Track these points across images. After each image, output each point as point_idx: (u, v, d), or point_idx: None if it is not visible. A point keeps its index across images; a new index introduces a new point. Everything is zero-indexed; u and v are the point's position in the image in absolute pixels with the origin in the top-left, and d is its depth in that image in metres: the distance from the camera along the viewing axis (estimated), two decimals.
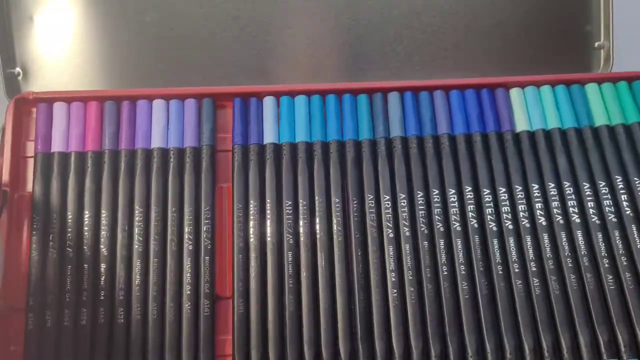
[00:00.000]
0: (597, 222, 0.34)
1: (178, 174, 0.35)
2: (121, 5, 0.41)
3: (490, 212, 0.34)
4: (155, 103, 0.37)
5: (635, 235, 0.34)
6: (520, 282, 0.33)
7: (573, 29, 0.42)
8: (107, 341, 0.33)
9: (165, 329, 0.33)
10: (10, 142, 0.35)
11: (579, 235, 0.34)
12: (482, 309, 0.32)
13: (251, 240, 0.34)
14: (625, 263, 0.33)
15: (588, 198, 0.35)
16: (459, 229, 0.34)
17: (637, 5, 0.46)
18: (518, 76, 0.38)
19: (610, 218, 0.34)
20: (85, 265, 0.33)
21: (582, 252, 0.33)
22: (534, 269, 0.33)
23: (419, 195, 0.35)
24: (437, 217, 0.34)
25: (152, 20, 0.41)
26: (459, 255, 0.34)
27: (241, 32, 0.41)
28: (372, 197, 0.35)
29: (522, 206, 0.35)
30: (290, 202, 0.35)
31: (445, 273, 0.33)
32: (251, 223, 0.35)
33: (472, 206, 0.35)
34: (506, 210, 0.34)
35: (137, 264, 0.34)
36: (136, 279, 0.33)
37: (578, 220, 0.34)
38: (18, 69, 0.40)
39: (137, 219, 0.34)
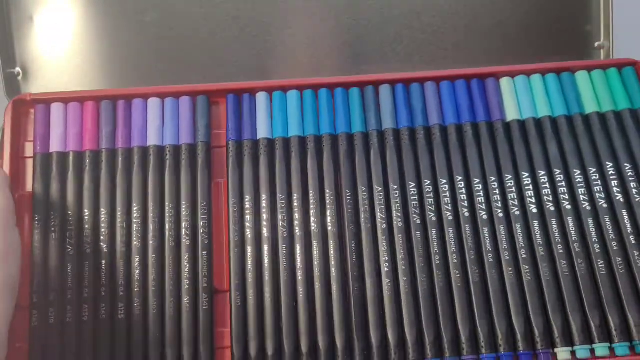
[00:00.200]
0: (588, 208, 0.34)
1: (174, 170, 0.35)
2: (121, 5, 0.41)
3: (481, 201, 0.34)
4: (151, 101, 0.37)
5: (626, 221, 0.34)
6: (511, 269, 0.33)
7: (573, 29, 0.42)
8: (109, 336, 0.33)
9: (165, 323, 0.33)
10: (9, 144, 0.35)
11: (570, 222, 0.34)
12: (474, 296, 0.33)
13: (247, 234, 0.34)
14: (615, 248, 0.33)
15: (579, 185, 0.35)
16: (450, 218, 0.34)
17: (637, 5, 0.46)
18: (508, 65, 0.38)
19: (600, 204, 0.34)
20: (86, 262, 0.33)
21: (573, 239, 0.33)
22: (524, 256, 0.33)
23: (411, 186, 0.35)
24: (429, 207, 0.34)
25: (152, 20, 0.41)
26: (451, 245, 0.34)
27: (241, 32, 0.41)
28: (365, 189, 0.35)
29: (513, 194, 0.34)
30: (284, 196, 0.35)
31: (438, 262, 0.33)
32: (246, 217, 0.35)
33: (463, 196, 0.35)
34: (497, 199, 0.34)
35: (136, 260, 0.34)
36: (136, 274, 0.34)
37: (569, 207, 0.34)
38: (18, 69, 0.40)
39: (135, 215, 0.34)
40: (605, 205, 0.34)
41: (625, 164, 0.35)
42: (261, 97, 0.37)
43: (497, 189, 0.35)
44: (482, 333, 0.32)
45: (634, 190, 0.34)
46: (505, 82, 0.38)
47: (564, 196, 0.35)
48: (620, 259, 0.33)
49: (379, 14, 0.41)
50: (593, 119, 0.37)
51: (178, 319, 0.33)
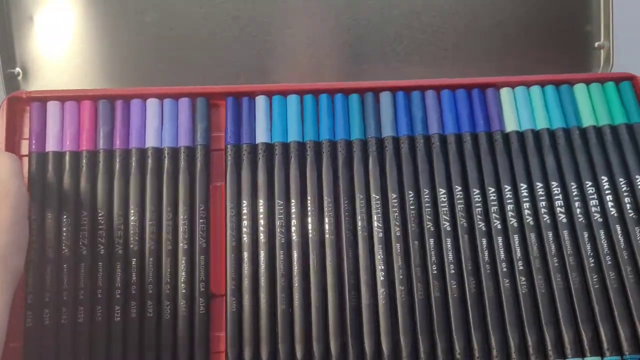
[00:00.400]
0: (583, 221, 0.34)
1: (172, 173, 0.35)
2: (121, 5, 0.40)
3: (479, 211, 0.34)
4: (149, 102, 0.36)
5: (620, 235, 0.34)
6: (507, 280, 0.33)
7: (573, 29, 0.42)
8: (105, 339, 0.32)
9: (161, 327, 0.33)
10: (4, 141, 0.35)
11: (565, 235, 0.34)
12: (469, 307, 0.33)
13: (244, 239, 0.34)
14: (609, 262, 0.33)
15: (575, 198, 0.35)
16: (448, 228, 0.34)
17: (637, 5, 0.46)
18: (508, 76, 0.38)
19: (596, 218, 0.34)
20: (82, 263, 0.33)
21: (568, 252, 0.34)
22: (520, 267, 0.33)
23: (409, 195, 0.35)
24: (427, 216, 0.34)
25: (152, 20, 0.40)
26: (448, 254, 0.34)
27: (241, 32, 0.40)
28: (362, 197, 0.35)
29: (511, 206, 0.34)
30: (282, 202, 0.35)
31: (435, 272, 0.33)
32: (244, 222, 0.34)
33: (461, 206, 0.35)
34: (495, 210, 0.34)
35: (133, 263, 0.33)
36: (132, 277, 0.33)
37: (564, 220, 0.34)
38: (18, 69, 0.40)
39: (132, 218, 0.34)
40: (600, 220, 0.34)
41: (620, 179, 0.35)
42: (261, 101, 0.37)
43: (496, 200, 0.35)
44: (476, 343, 0.32)
45: (628, 205, 0.34)
46: (505, 92, 0.38)
47: (560, 209, 0.34)
48: (613, 274, 0.33)
49: (379, 14, 0.41)
50: (590, 133, 0.37)
51: (174, 323, 0.33)
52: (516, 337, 0.32)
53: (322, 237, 0.34)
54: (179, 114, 0.36)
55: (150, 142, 0.36)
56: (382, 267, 0.33)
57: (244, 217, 0.35)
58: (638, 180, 0.35)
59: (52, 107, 0.36)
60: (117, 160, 0.35)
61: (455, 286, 0.33)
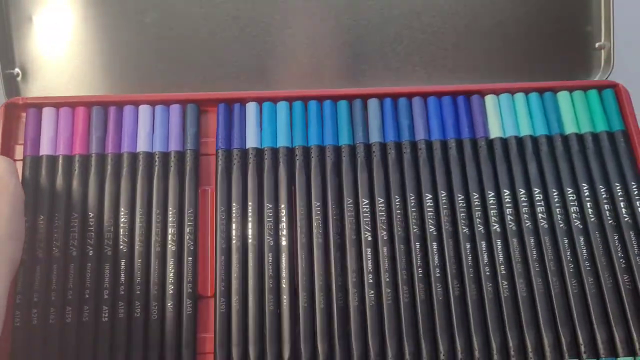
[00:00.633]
0: (564, 227, 0.34)
1: (162, 177, 0.35)
2: (121, 6, 0.40)
3: (463, 216, 0.35)
4: (141, 108, 0.37)
5: (599, 242, 0.34)
6: (490, 284, 0.33)
7: (573, 29, 0.41)
8: (92, 339, 0.32)
9: (149, 327, 0.33)
10: (0, 145, 0.36)
11: (547, 240, 0.34)
12: (453, 309, 0.33)
13: (233, 241, 0.34)
14: (588, 268, 0.34)
15: (556, 205, 0.35)
16: (434, 233, 0.34)
17: (637, 5, 0.46)
18: (494, 83, 0.38)
19: (576, 224, 0.35)
20: (71, 264, 0.33)
21: (549, 257, 0.34)
22: (503, 272, 0.34)
23: (396, 200, 0.35)
24: (413, 220, 0.35)
25: (152, 21, 0.40)
26: (434, 258, 0.34)
27: (241, 32, 0.40)
28: (350, 201, 0.35)
29: (494, 211, 0.35)
30: (271, 206, 0.35)
31: (420, 275, 0.33)
32: (233, 225, 0.35)
33: (446, 210, 0.35)
34: (478, 215, 0.35)
35: (122, 264, 0.34)
36: (121, 278, 0.33)
37: (546, 226, 0.34)
38: (17, 70, 0.40)
39: (122, 220, 0.34)
40: (580, 226, 0.34)
41: (600, 186, 0.35)
42: (251, 107, 0.37)
43: (479, 206, 0.35)
44: (459, 345, 0.32)
45: (607, 213, 0.35)
46: (489, 99, 0.38)
47: (542, 215, 0.35)
48: (592, 279, 0.33)
49: (379, 14, 0.41)
50: (572, 140, 0.37)
51: (162, 323, 0.33)
52: (498, 339, 0.32)
53: (310, 240, 0.34)
54: (169, 120, 0.37)
55: (142, 146, 0.36)
56: (370, 269, 0.34)
57: (234, 220, 0.35)
58: (618, 188, 0.35)
59: (48, 113, 0.36)
60: (109, 164, 0.35)
61: (439, 289, 0.33)
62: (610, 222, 0.35)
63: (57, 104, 0.37)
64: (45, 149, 0.36)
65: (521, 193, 0.35)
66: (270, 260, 0.34)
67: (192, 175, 0.36)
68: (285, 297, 0.33)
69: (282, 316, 0.33)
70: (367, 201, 0.35)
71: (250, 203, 0.35)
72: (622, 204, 0.35)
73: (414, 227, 0.35)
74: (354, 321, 0.33)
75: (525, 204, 0.35)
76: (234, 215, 0.35)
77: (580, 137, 0.37)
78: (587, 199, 0.35)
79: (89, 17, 0.40)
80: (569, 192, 0.35)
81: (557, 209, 0.35)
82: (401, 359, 0.33)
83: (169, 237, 0.34)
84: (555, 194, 0.35)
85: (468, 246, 0.34)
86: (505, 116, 0.37)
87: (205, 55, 0.41)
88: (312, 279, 0.34)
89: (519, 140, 0.37)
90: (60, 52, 0.40)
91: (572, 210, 0.35)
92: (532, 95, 0.38)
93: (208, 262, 0.35)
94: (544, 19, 0.41)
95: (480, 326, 0.33)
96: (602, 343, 0.32)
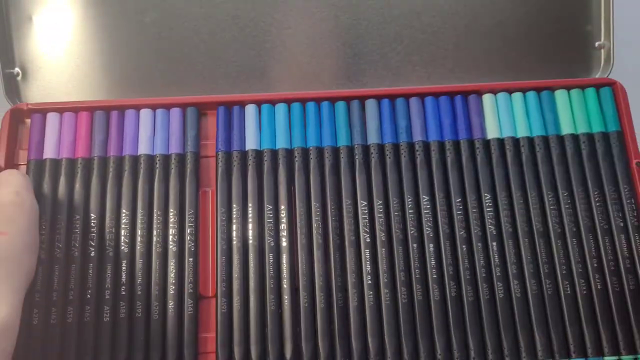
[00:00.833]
0: (558, 230, 0.35)
1: (163, 179, 0.36)
2: (121, 5, 0.40)
3: (460, 218, 0.35)
4: (143, 112, 0.37)
5: (592, 244, 0.35)
6: (485, 285, 0.34)
7: (573, 29, 0.41)
8: (93, 339, 0.33)
9: (150, 327, 0.33)
10: (5, 151, 0.36)
11: (541, 243, 0.35)
12: (450, 310, 0.33)
13: (234, 242, 0.34)
14: (580, 270, 0.34)
15: (551, 208, 0.35)
16: (431, 234, 0.35)
17: (637, 5, 0.46)
18: (492, 82, 0.39)
19: (571, 227, 0.35)
20: (73, 265, 0.34)
21: (543, 259, 0.34)
22: (498, 274, 0.34)
23: (394, 202, 0.35)
24: (410, 222, 0.35)
25: (152, 21, 0.40)
26: (431, 260, 0.34)
27: (241, 32, 0.40)
28: (349, 202, 0.35)
29: (490, 213, 0.35)
30: (271, 207, 0.35)
31: (418, 276, 0.34)
32: (234, 226, 0.35)
33: (443, 212, 0.35)
34: (475, 217, 0.35)
35: (123, 265, 0.34)
36: (122, 278, 0.34)
37: (541, 229, 0.35)
38: (17, 69, 0.40)
39: (124, 221, 0.35)
40: (574, 229, 0.35)
41: (595, 189, 0.36)
42: (250, 110, 0.38)
43: (476, 208, 0.35)
44: (456, 345, 0.33)
45: (599, 216, 0.35)
46: (487, 99, 0.38)
47: (537, 218, 0.35)
48: (583, 281, 0.34)
49: (379, 14, 0.41)
50: (567, 141, 0.37)
51: (163, 324, 0.33)
52: (493, 339, 0.33)
53: (310, 241, 0.35)
54: (170, 123, 0.37)
55: (143, 149, 0.36)
56: (368, 270, 0.34)
57: (234, 221, 0.35)
58: (612, 191, 0.36)
59: (51, 118, 0.37)
60: (111, 166, 0.36)
61: (436, 290, 0.34)
62: (602, 224, 0.35)
63: (61, 109, 0.37)
64: (48, 153, 0.36)
65: (518, 195, 0.36)
66: (271, 261, 0.34)
67: (192, 177, 0.36)
68: (286, 297, 0.34)
69: (284, 316, 0.34)
70: (365, 203, 0.35)
71: (250, 204, 0.35)
72: (614, 207, 0.35)
73: (412, 229, 0.35)
74: (353, 321, 0.33)
75: (521, 206, 0.35)
76: (234, 216, 0.35)
77: (576, 138, 0.37)
78: (582, 201, 0.36)
79: (89, 17, 0.40)
80: (564, 195, 0.36)
81: (553, 212, 0.35)
82: (400, 357, 0.33)
83: (170, 238, 0.35)
84: (550, 196, 0.35)
85: (464, 248, 0.35)
86: (502, 116, 0.38)
87: (205, 55, 0.40)
88: (312, 279, 0.34)
89: (516, 141, 0.37)
90: (60, 51, 0.40)
91: (566, 213, 0.35)
92: (530, 94, 0.38)
93: (209, 263, 0.35)
94: (544, 18, 0.41)
95: (476, 326, 0.33)
96: (590, 343, 0.33)
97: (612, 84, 0.39)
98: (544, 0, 0.41)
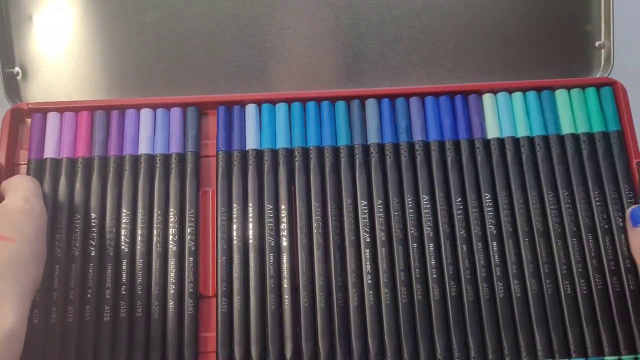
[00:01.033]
0: (558, 230, 0.35)
1: (164, 178, 0.36)
2: (121, 5, 0.40)
3: (460, 218, 0.35)
4: (143, 112, 0.37)
5: (592, 243, 0.35)
6: (486, 285, 0.34)
7: (573, 29, 0.41)
8: (93, 338, 0.33)
9: (150, 327, 0.33)
10: (5, 150, 0.36)
11: (541, 243, 0.35)
12: (450, 310, 0.34)
13: (234, 242, 0.35)
14: (580, 270, 0.34)
15: (552, 207, 0.35)
16: (431, 234, 0.35)
17: (637, 5, 0.46)
18: (492, 82, 0.39)
19: (571, 227, 0.35)
20: (74, 264, 0.34)
21: (543, 259, 0.34)
22: (498, 273, 0.34)
23: (394, 201, 0.35)
24: (410, 222, 0.35)
25: (152, 20, 0.40)
26: (431, 259, 0.34)
27: (241, 32, 0.40)
28: (350, 202, 0.35)
29: (491, 213, 0.35)
30: (271, 206, 0.35)
31: (418, 276, 0.34)
32: (234, 226, 0.35)
33: (443, 212, 0.35)
34: (475, 216, 0.35)
35: (123, 264, 0.34)
36: (122, 278, 0.34)
37: (541, 229, 0.35)
38: (17, 69, 0.40)
39: (124, 221, 0.35)
40: (574, 229, 0.35)
41: (596, 189, 0.35)
42: (250, 109, 0.38)
43: (476, 207, 0.35)
44: (456, 345, 0.33)
45: (600, 216, 0.35)
46: (487, 99, 0.38)
47: (537, 217, 0.35)
48: (583, 281, 0.34)
49: (379, 14, 0.41)
50: (568, 141, 0.37)
51: (163, 323, 0.33)
52: (493, 339, 0.33)
53: (310, 241, 0.35)
54: (170, 123, 0.37)
55: (143, 149, 0.36)
56: (369, 270, 0.34)
57: (234, 220, 0.35)
58: (612, 190, 0.36)
59: (52, 117, 0.37)
60: (111, 166, 0.36)
61: (437, 290, 0.34)
62: (603, 224, 0.35)
63: (61, 108, 0.37)
64: (49, 153, 0.36)
65: (518, 195, 0.36)
66: (271, 261, 0.34)
67: (192, 177, 0.36)
68: (286, 296, 0.34)
69: (284, 315, 0.34)
70: (365, 202, 0.35)
71: (250, 204, 0.35)
72: (614, 206, 0.35)
73: (412, 228, 0.35)
74: (353, 320, 0.33)
75: (521, 206, 0.35)
76: (234, 215, 0.35)
77: (576, 138, 0.37)
78: (583, 201, 0.35)
79: (89, 16, 0.40)
80: (565, 194, 0.35)
81: (553, 211, 0.35)
82: (400, 357, 0.33)
83: (170, 237, 0.35)
84: (550, 196, 0.35)
85: (465, 247, 0.35)
86: (502, 116, 0.38)
87: (205, 54, 0.40)
88: (312, 279, 0.34)
89: (516, 141, 0.37)
90: (60, 51, 0.40)
91: (566, 213, 0.35)
92: (530, 94, 0.38)
93: (209, 262, 0.35)
94: (544, 18, 0.41)
95: (476, 326, 0.33)
96: (590, 343, 0.33)
97: (612, 84, 0.39)
98: (544, 0, 0.41)
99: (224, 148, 0.36)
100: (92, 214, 0.35)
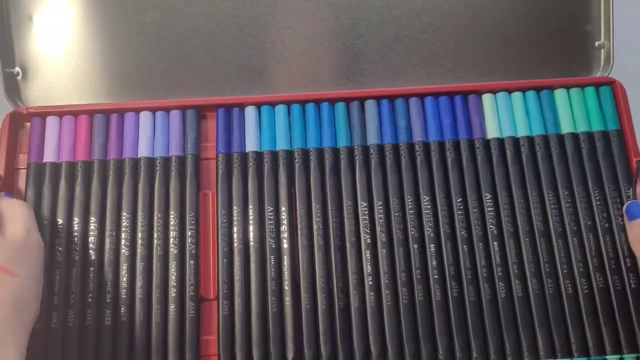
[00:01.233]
0: (559, 229, 0.35)
1: (164, 181, 0.36)
2: (121, 5, 0.40)
3: (461, 218, 0.35)
4: (142, 115, 0.37)
5: (592, 242, 0.35)
6: (487, 285, 0.34)
7: (573, 29, 0.41)
8: (94, 342, 0.33)
9: (151, 330, 0.33)
10: (5, 155, 0.36)
11: (542, 242, 0.35)
12: (452, 311, 0.34)
13: (235, 244, 0.35)
14: (581, 269, 0.34)
15: (552, 207, 0.35)
16: (432, 235, 0.35)
17: (637, 5, 0.46)
18: (491, 82, 0.39)
19: (571, 226, 0.35)
20: (74, 268, 0.34)
21: (544, 259, 0.35)
22: (499, 273, 0.34)
23: (394, 202, 0.35)
24: (411, 223, 0.35)
25: (152, 21, 0.40)
26: (432, 260, 0.34)
27: (241, 32, 0.40)
28: (350, 203, 0.35)
29: (491, 213, 0.35)
30: (272, 208, 0.35)
31: (419, 277, 0.34)
32: (235, 228, 0.35)
33: (444, 213, 0.35)
34: (476, 217, 0.35)
35: (124, 268, 0.34)
36: (123, 282, 0.34)
37: (542, 229, 0.35)
38: (17, 69, 0.40)
39: (124, 224, 0.35)
40: (574, 228, 0.35)
41: (596, 189, 0.35)
42: (250, 112, 0.37)
43: (477, 208, 0.35)
44: (458, 346, 0.33)
45: (600, 215, 0.35)
46: (486, 99, 0.38)
47: (537, 217, 0.35)
48: (584, 279, 0.34)
49: (379, 14, 0.40)
50: (567, 140, 0.37)
51: (164, 326, 0.33)
52: (495, 339, 0.33)
53: (311, 242, 0.35)
54: (170, 126, 0.37)
55: (143, 152, 0.36)
56: (369, 271, 0.34)
57: (235, 223, 0.35)
58: (612, 190, 0.36)
59: (51, 121, 0.37)
60: (111, 169, 0.36)
61: (438, 290, 0.34)
62: (603, 223, 0.35)
63: (60, 112, 0.37)
64: (48, 157, 0.36)
65: (518, 195, 0.36)
66: (272, 263, 0.34)
67: (192, 180, 0.36)
68: (287, 299, 0.34)
69: (285, 318, 0.34)
70: (365, 204, 0.35)
71: (250, 206, 0.35)
72: (615, 205, 0.35)
73: (412, 229, 0.35)
74: (355, 322, 0.34)
75: (522, 206, 0.35)
76: (235, 218, 0.35)
77: (576, 137, 0.37)
78: (583, 201, 0.36)
79: (89, 16, 0.40)
80: (565, 194, 0.36)
81: (552, 211, 0.35)
82: (401, 358, 0.33)
83: (171, 240, 0.35)
84: (550, 195, 0.35)
85: (465, 248, 0.35)
86: (502, 116, 0.37)
87: (205, 55, 0.40)
88: (313, 281, 0.34)
89: (516, 141, 0.37)
90: (60, 51, 0.40)
91: (567, 212, 0.35)
92: (529, 93, 0.38)
93: (210, 265, 0.35)
94: (543, 18, 0.41)
95: (478, 327, 0.33)
96: (592, 342, 0.33)
97: (611, 83, 0.39)
98: (544, 0, 0.41)
99: (223, 150, 0.36)
100: (92, 218, 0.35)
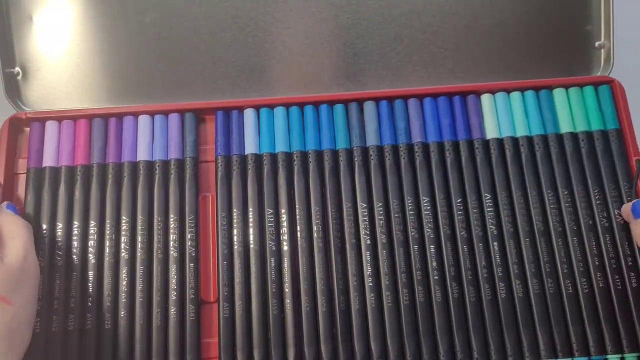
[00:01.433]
0: (559, 229, 0.35)
1: (163, 184, 0.36)
2: (121, 5, 0.40)
3: (461, 219, 0.35)
4: (141, 119, 0.37)
5: (593, 242, 0.35)
6: (488, 286, 0.34)
7: (573, 29, 0.41)
8: (95, 346, 0.33)
9: (152, 333, 0.33)
10: (4, 160, 0.36)
11: (542, 242, 0.35)
12: (452, 311, 0.34)
13: (235, 247, 0.35)
14: (582, 269, 0.34)
15: (552, 207, 0.35)
16: (432, 236, 0.35)
17: (637, 5, 0.46)
18: (489, 82, 0.39)
19: (571, 226, 0.35)
20: (74, 272, 0.34)
21: (545, 259, 0.35)
22: (500, 274, 0.34)
23: (394, 203, 0.35)
24: (411, 224, 0.35)
25: (152, 21, 0.40)
26: (432, 261, 0.34)
27: (241, 32, 0.40)
28: (349, 205, 0.35)
29: (491, 214, 0.35)
30: (271, 210, 0.35)
31: (419, 278, 0.34)
32: (235, 231, 0.35)
33: (444, 213, 0.35)
34: (476, 217, 0.35)
35: (124, 271, 0.34)
36: (123, 285, 0.34)
37: (542, 228, 0.35)
38: (17, 69, 0.39)
39: (123, 228, 0.35)
40: (574, 227, 0.35)
41: (596, 188, 0.35)
42: (249, 114, 0.37)
43: (477, 208, 0.35)
44: (459, 346, 0.33)
45: (600, 214, 0.35)
46: (485, 99, 0.38)
47: (537, 217, 0.35)
48: (584, 279, 0.34)
49: (379, 14, 0.40)
50: (567, 139, 0.36)
51: (165, 330, 0.33)
52: (495, 340, 0.33)
53: (311, 244, 0.35)
54: (169, 129, 0.37)
55: (142, 155, 0.36)
56: (370, 272, 0.34)
57: (235, 225, 0.35)
58: (612, 189, 0.36)
59: (50, 126, 0.37)
60: (110, 173, 0.36)
61: (438, 291, 0.34)
62: (604, 222, 0.35)
63: (60, 117, 0.37)
64: (48, 161, 0.36)
65: (518, 195, 0.35)
66: (272, 265, 0.34)
67: (192, 182, 0.36)
68: (288, 301, 0.34)
69: (286, 320, 0.34)
70: (365, 205, 0.35)
71: (250, 208, 0.35)
72: (615, 204, 0.35)
73: (412, 230, 0.35)
74: (355, 323, 0.34)
75: (522, 206, 0.35)
76: (234, 220, 0.35)
77: (575, 136, 0.37)
78: (583, 200, 0.35)
79: (89, 16, 0.40)
80: (564, 193, 0.35)
81: (552, 211, 0.35)
82: (402, 359, 0.33)
83: (171, 243, 0.35)
84: (550, 195, 0.35)
85: (465, 248, 0.34)
86: (501, 116, 0.37)
87: (205, 54, 0.40)
88: (313, 283, 0.34)
89: (515, 141, 0.37)
90: (61, 51, 0.40)
91: (567, 212, 0.35)
92: (528, 93, 0.38)
93: (210, 268, 0.35)
94: (544, 18, 0.41)
95: (479, 327, 0.33)
96: (593, 341, 0.33)
97: (610, 82, 0.38)
98: (544, 0, 0.41)
99: (222, 153, 0.36)
100: (92, 222, 0.35)
